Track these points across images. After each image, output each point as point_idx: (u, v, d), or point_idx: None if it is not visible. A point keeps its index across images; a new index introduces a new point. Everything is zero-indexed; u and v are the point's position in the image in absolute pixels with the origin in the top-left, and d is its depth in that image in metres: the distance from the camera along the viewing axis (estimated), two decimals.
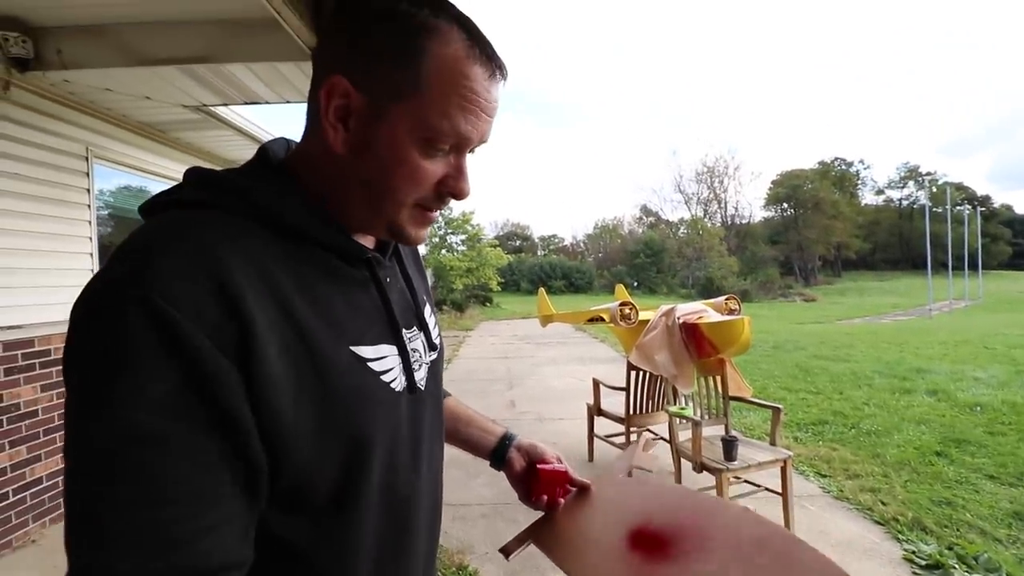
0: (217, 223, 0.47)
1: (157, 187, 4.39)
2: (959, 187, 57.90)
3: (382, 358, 0.54)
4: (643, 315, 3.21)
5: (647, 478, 0.79)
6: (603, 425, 3.70)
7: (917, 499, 3.10)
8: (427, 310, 0.69)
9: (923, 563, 2.44)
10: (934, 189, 47.88)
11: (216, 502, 0.40)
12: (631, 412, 3.29)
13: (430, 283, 0.73)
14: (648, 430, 3.53)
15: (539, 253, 49.38)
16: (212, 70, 2.77)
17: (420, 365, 0.62)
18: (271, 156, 0.55)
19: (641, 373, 3.23)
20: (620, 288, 4.56)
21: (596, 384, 3.66)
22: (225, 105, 3.49)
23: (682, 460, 2.86)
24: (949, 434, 4.23)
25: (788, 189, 50.49)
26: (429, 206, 0.55)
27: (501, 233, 49.17)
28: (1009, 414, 4.70)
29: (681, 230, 44.52)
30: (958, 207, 34.28)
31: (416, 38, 0.48)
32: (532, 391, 6.13)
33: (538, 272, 37.04)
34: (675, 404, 2.99)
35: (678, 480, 2.90)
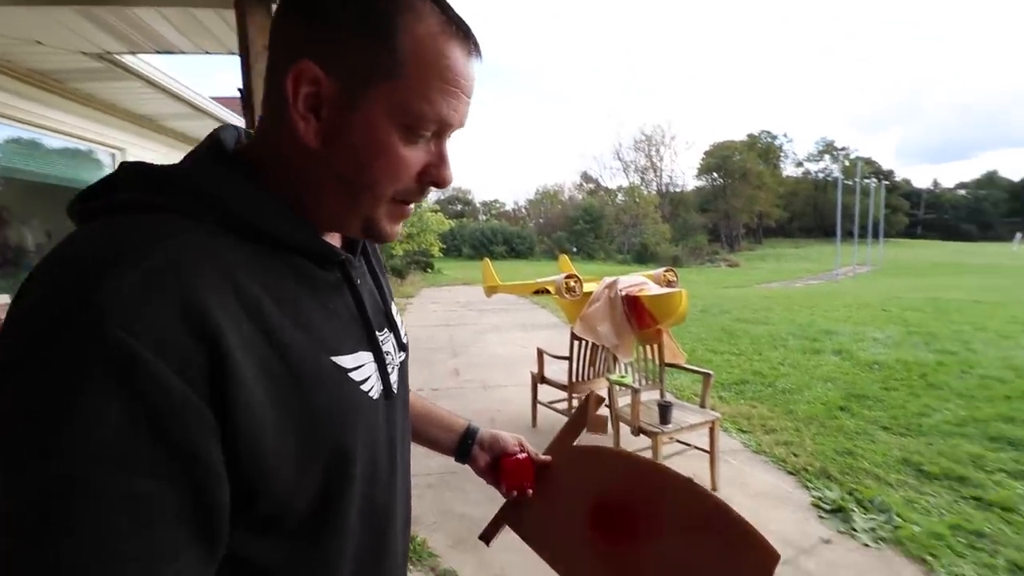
0: (179, 232, 0.41)
1: (52, 143, 3.94)
2: (868, 161, 62.61)
3: (360, 366, 0.52)
4: (587, 287, 3.30)
5: (599, 448, 0.83)
6: (546, 392, 3.83)
7: (823, 450, 3.46)
8: (393, 308, 0.66)
9: (828, 508, 2.75)
10: (846, 163, 51.57)
11: (173, 558, 0.36)
12: (574, 379, 3.42)
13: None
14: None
15: (481, 218, 48.99)
16: (115, 13, 2.48)
17: (392, 368, 0.59)
18: (225, 147, 0.50)
19: (583, 342, 3.35)
20: (564, 259, 4.64)
21: (540, 353, 3.76)
22: (133, 54, 3.15)
23: (621, 424, 3.02)
24: (851, 390, 4.71)
25: (718, 159, 52.60)
26: (408, 198, 0.51)
27: (442, 198, 48.18)
28: (901, 371, 5.29)
29: (619, 197, 45.61)
30: (866, 180, 37.14)
31: (389, 14, 0.44)
32: (476, 359, 6.19)
33: (480, 237, 36.83)
34: (615, 372, 3.14)
35: (616, 443, 3.07)
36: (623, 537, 0.70)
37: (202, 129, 5.01)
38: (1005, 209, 78.35)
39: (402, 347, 0.64)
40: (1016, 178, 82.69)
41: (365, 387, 0.52)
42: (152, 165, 0.46)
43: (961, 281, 18.60)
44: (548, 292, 3.35)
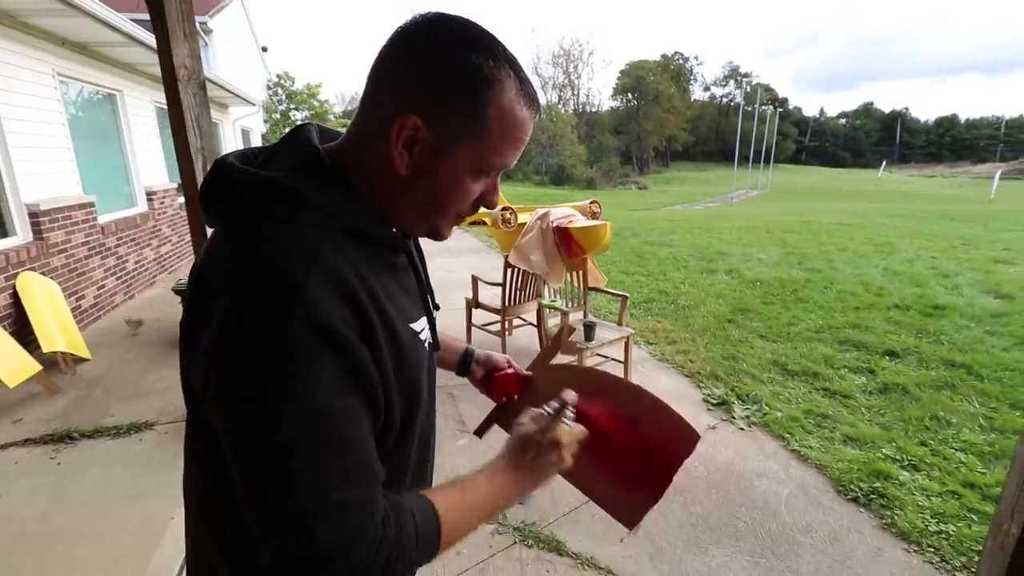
0: (323, 241, 0.56)
1: None
2: (767, 88, 65.89)
3: (423, 329, 0.69)
4: (521, 218, 3.49)
5: (568, 365, 1.06)
6: (480, 315, 4.10)
7: (713, 356, 4.10)
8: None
9: (714, 402, 3.35)
10: (748, 89, 54.05)
11: (372, 441, 0.57)
12: (507, 304, 3.70)
13: None
14: (521, 317, 4.01)
15: None
16: None
17: (435, 324, 0.77)
18: (327, 162, 0.61)
19: (516, 270, 3.60)
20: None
21: (475, 280, 3.98)
22: None
23: (549, 342, 3.37)
24: (737, 305, 5.46)
25: (633, 80, 52.87)
26: (464, 214, 0.68)
27: (350, 108, 44.51)
28: (778, 288, 6.16)
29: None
30: (764, 107, 39.39)
31: (482, 89, 0.57)
32: None
33: None
34: (546, 297, 3.45)
35: None
36: (592, 429, 0.95)
37: (72, 25, 4.33)
38: (876, 138, 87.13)
39: (436, 306, 0.81)
40: (888, 109, 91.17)
41: (426, 344, 0.70)
42: (279, 181, 0.57)
43: (832, 205, 20.99)
44: (484, 223, 3.51)
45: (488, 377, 1.02)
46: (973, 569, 1.99)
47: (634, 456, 0.87)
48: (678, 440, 0.87)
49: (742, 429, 3.03)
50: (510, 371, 1.02)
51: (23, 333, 3.72)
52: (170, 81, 2.28)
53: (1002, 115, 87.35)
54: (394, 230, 0.67)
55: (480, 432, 1.05)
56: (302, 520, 0.49)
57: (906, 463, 2.67)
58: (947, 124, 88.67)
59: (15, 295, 3.76)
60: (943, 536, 2.16)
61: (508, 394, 1.01)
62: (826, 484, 2.53)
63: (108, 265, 5.20)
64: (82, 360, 3.86)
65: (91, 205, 4.92)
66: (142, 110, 6.41)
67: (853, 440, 2.89)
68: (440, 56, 0.57)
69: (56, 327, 3.73)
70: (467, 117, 0.58)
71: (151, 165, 6.59)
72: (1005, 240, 9.63)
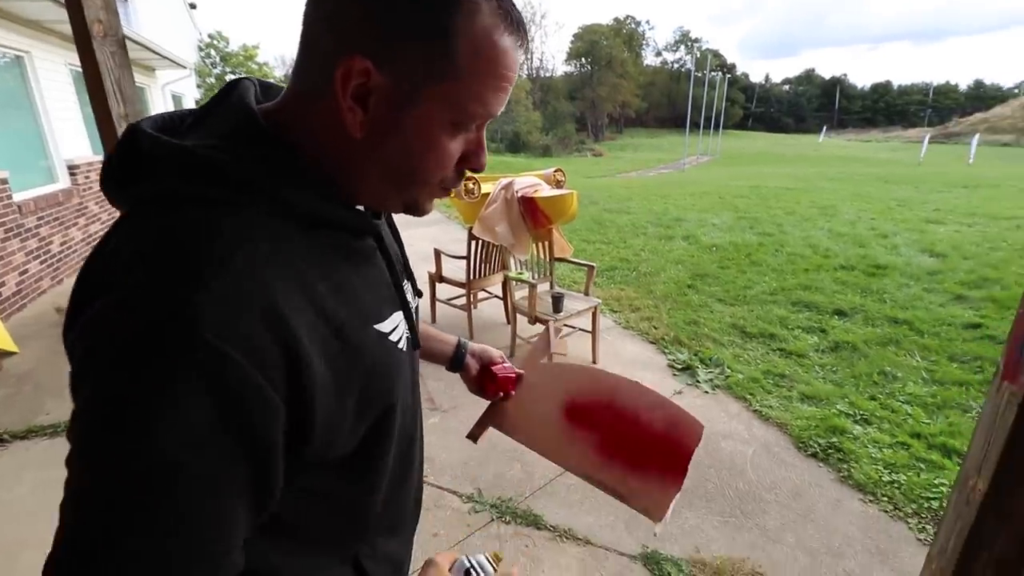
0: (247, 233, 0.43)
1: None
2: (716, 54, 66.77)
3: (396, 327, 0.57)
4: (484, 188, 3.38)
5: (561, 363, 1.01)
6: (444, 290, 4.00)
7: (676, 322, 4.18)
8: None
9: (679, 367, 3.42)
10: (698, 55, 54.53)
11: (234, 527, 0.42)
12: (471, 277, 3.61)
13: None
14: (486, 290, 3.94)
15: None
16: None
17: (414, 316, 0.65)
18: (263, 125, 0.48)
19: (480, 242, 3.50)
20: None
21: (437, 254, 3.86)
22: None
23: (518, 315, 3.33)
24: (696, 271, 5.57)
25: (587, 44, 52.29)
26: (448, 184, 0.53)
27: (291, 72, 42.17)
28: (732, 252, 6.32)
29: None
30: (713, 73, 39.91)
31: (445, 13, 0.44)
32: None
33: None
34: (512, 269, 3.38)
35: (514, 332, 3.40)
36: (591, 424, 0.89)
37: None
38: (816, 104, 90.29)
39: (418, 293, 0.70)
40: (828, 76, 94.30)
41: (400, 344, 0.57)
42: (194, 149, 0.45)
43: (778, 170, 21.71)
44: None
45: (483, 373, 0.94)
46: (923, 515, 2.13)
47: (644, 450, 0.84)
48: (684, 431, 0.84)
49: (706, 392, 3.11)
50: (507, 366, 0.95)
51: None
52: (83, 39, 2.00)
53: (931, 81, 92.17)
54: (357, 208, 0.54)
55: (474, 436, 0.98)
56: (79, 565, 0.37)
57: (858, 417, 2.82)
58: (881, 90, 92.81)
59: None
60: (895, 485, 2.30)
61: (505, 390, 0.94)
62: (787, 442, 2.64)
63: (29, 248, 4.74)
64: (8, 354, 3.51)
65: (3, 182, 4.43)
66: (56, 74, 5.77)
67: (809, 398, 3.02)
68: None
69: None
70: (430, 53, 0.45)
71: (71, 136, 5.99)
72: (935, 201, 10.23)
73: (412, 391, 0.66)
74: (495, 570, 0.71)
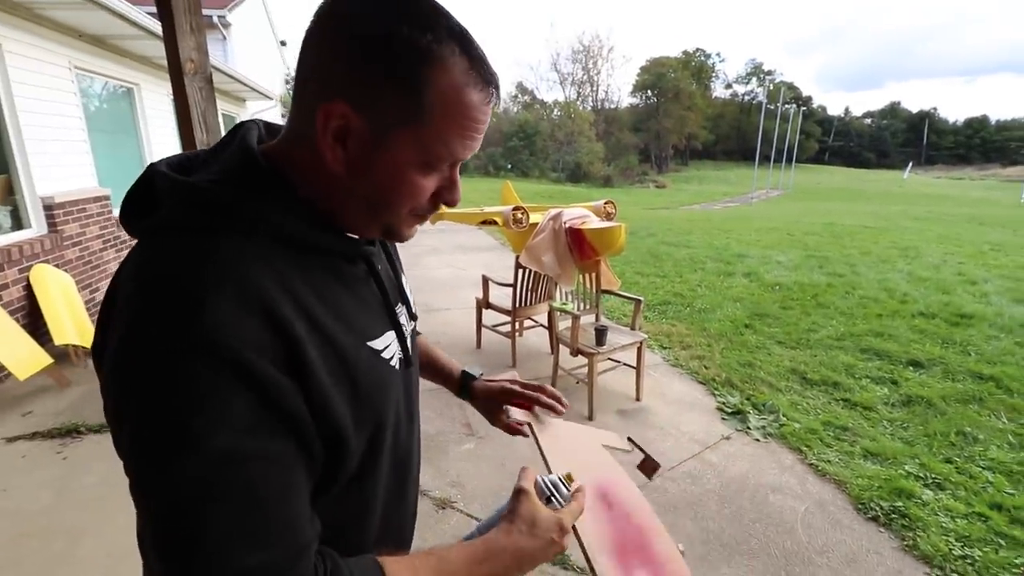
0: (243, 252, 0.48)
1: None
2: (790, 87, 64.79)
3: (388, 345, 0.61)
4: (532, 218, 3.42)
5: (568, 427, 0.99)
6: (490, 316, 4.04)
7: (729, 363, 3.98)
8: (404, 280, 0.75)
9: (729, 411, 3.25)
10: (771, 87, 53.12)
11: (299, 493, 0.48)
12: (517, 305, 3.63)
13: None
14: (532, 319, 3.94)
15: None
16: None
17: (408, 337, 0.68)
18: (260, 161, 0.54)
19: (527, 271, 3.52)
20: (508, 187, 4.66)
21: (485, 280, 3.92)
22: None
23: (560, 346, 3.30)
24: (755, 309, 5.32)
25: (653, 77, 52.30)
26: (423, 213, 0.59)
27: None
28: (797, 292, 5.99)
29: (555, 112, 44.69)
30: (787, 105, 38.66)
31: (418, 67, 0.48)
32: (416, 282, 6.26)
33: None
34: (557, 299, 3.37)
35: (556, 363, 3.37)
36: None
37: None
38: (902, 139, 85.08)
39: (412, 317, 0.73)
40: (915, 109, 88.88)
41: (392, 362, 0.62)
42: (198, 188, 0.50)
43: (855, 207, 20.52)
44: (495, 223, 3.44)
45: (489, 401, 0.96)
46: None
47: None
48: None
49: (757, 440, 2.93)
50: (521, 417, 0.94)
51: (36, 326, 3.75)
52: (176, 75, 2.25)
53: None
54: (350, 235, 0.59)
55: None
56: None
57: (930, 481, 2.55)
58: (977, 125, 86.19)
59: (28, 287, 3.79)
60: (968, 561, 2.05)
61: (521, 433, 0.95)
62: (845, 501, 2.42)
63: (123, 257, 5.25)
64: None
65: (106, 198, 4.96)
66: (158, 104, 6.46)
67: (874, 455, 2.77)
68: (368, 30, 0.48)
69: (69, 320, 3.76)
70: (401, 101, 0.50)
71: None
72: None
73: (407, 407, 0.68)
74: (568, 491, 0.70)
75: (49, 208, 4.18)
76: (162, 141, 6.49)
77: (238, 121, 0.62)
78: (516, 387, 0.95)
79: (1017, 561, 2.01)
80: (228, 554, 0.43)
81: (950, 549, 2.10)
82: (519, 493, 0.64)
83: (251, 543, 0.43)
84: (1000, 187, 41.11)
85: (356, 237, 0.60)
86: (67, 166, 4.51)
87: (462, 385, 0.96)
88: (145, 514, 0.45)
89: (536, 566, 0.62)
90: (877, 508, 2.35)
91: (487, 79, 0.52)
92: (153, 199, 0.52)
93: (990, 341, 4.38)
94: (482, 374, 0.98)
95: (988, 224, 13.59)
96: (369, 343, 0.58)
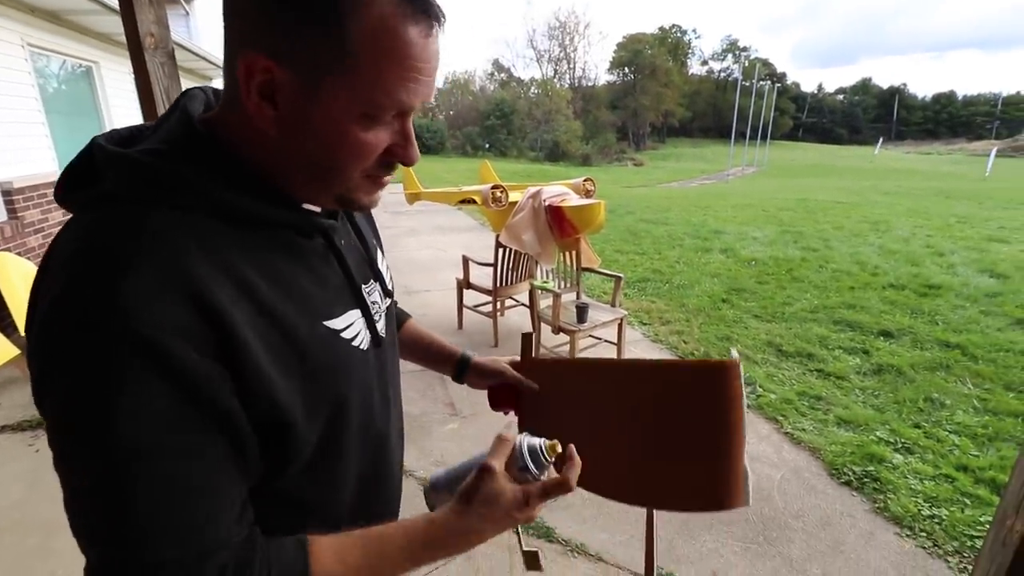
0: (175, 227, 0.45)
1: None
2: (765, 63, 65.05)
3: (350, 324, 0.57)
4: (512, 196, 3.39)
5: (558, 361, 0.96)
6: (471, 296, 4.02)
7: (707, 336, 4.06)
8: (379, 257, 0.71)
9: None
10: (746, 64, 53.24)
11: (219, 491, 0.45)
12: (498, 284, 3.62)
13: None
14: (513, 298, 3.95)
15: None
16: None
17: (380, 316, 0.65)
18: (198, 128, 0.50)
19: (507, 250, 3.51)
20: (486, 166, 4.61)
21: (465, 260, 3.89)
22: None
23: (542, 324, 3.31)
24: (732, 285, 5.40)
25: (630, 54, 51.95)
26: (378, 175, 0.53)
27: None
28: (773, 267, 6.10)
29: (532, 90, 44.18)
30: (762, 82, 38.86)
31: (337, 3, 0.43)
32: (395, 263, 6.18)
33: None
34: (538, 278, 3.37)
35: (537, 341, 3.38)
36: (617, 426, 0.79)
37: None
38: (873, 115, 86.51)
39: (388, 294, 0.69)
40: (886, 85, 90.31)
41: (356, 342, 0.58)
42: (133, 156, 0.47)
43: (828, 183, 20.87)
44: (474, 202, 3.39)
45: (489, 386, 0.93)
46: (965, 554, 1.98)
47: (679, 432, 0.72)
48: (714, 380, 0.71)
49: None
50: (502, 384, 0.91)
51: (0, 316, 3.61)
52: (136, 50, 2.13)
53: (999, 92, 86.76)
54: (307, 208, 0.55)
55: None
56: (107, 572, 0.43)
57: (899, 446, 2.65)
58: (944, 100, 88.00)
59: None
60: (936, 520, 2.14)
61: (506, 409, 0.92)
62: (819, 467, 2.51)
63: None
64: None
65: None
66: (120, 83, 6.17)
67: (847, 422, 2.87)
68: None
69: None
70: (324, 46, 0.44)
71: None
72: (1000, 218, 9.59)
73: (381, 388, 0.65)
74: (546, 461, 0.61)
75: (8, 193, 3.99)
76: (125, 122, 6.22)
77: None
78: (508, 374, 0.91)
79: (982, 519, 2.12)
80: (143, 546, 0.41)
81: (919, 510, 2.20)
82: (483, 472, 0.57)
83: (159, 539, 0.42)
84: (967, 161, 42.24)
85: (315, 209, 0.56)
86: (24, 149, 4.30)
87: (459, 368, 0.92)
88: (64, 489, 0.44)
89: (488, 539, 0.57)
90: (850, 473, 2.43)
91: (424, 9, 0.45)
92: (94, 174, 0.48)
93: (956, 310, 4.54)
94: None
95: (955, 197, 13.98)
96: (326, 322, 0.54)
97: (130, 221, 0.44)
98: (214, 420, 0.44)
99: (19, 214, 4.05)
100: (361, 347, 0.59)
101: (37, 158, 4.44)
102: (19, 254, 3.98)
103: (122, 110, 6.15)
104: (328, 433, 0.55)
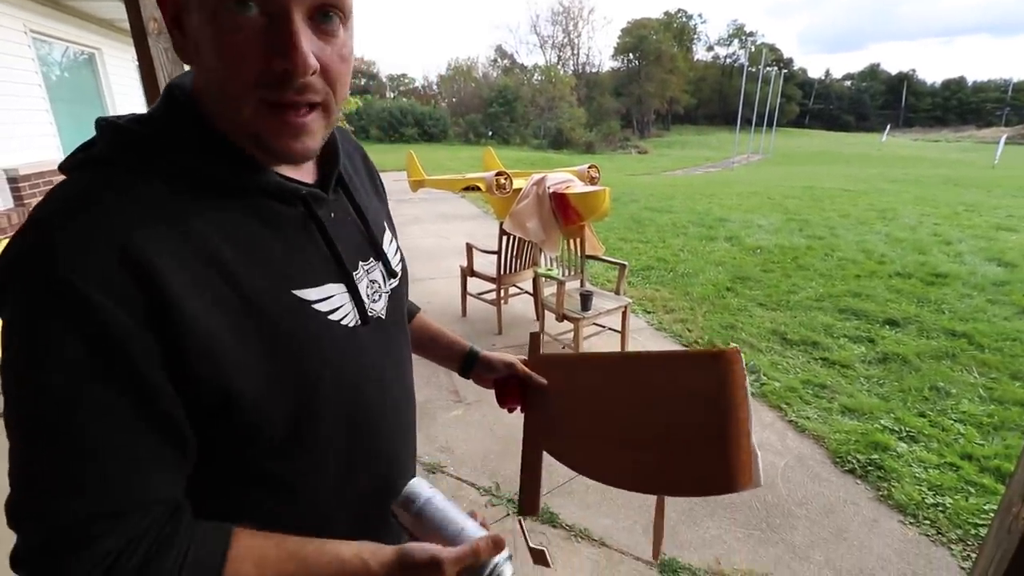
0: (125, 185, 0.45)
1: None
2: (772, 49, 64.18)
3: (328, 297, 0.56)
4: (516, 184, 3.37)
5: (563, 356, 0.95)
6: (475, 284, 4.02)
7: (712, 325, 4.05)
8: (386, 237, 0.70)
9: None
10: (752, 49, 52.56)
11: (129, 453, 0.44)
12: (502, 272, 3.61)
13: None
14: (517, 285, 3.95)
15: (388, 95, 45.21)
16: None
17: (380, 296, 0.64)
18: (178, 96, 0.51)
19: (512, 237, 3.50)
20: (490, 153, 4.58)
21: (469, 248, 3.88)
22: None
23: (546, 311, 3.31)
24: (737, 273, 5.38)
25: (635, 39, 51.30)
26: (272, 97, 0.47)
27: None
28: (779, 255, 6.07)
29: (535, 76, 43.74)
30: (768, 68, 38.36)
31: None
32: None
33: (388, 118, 34.14)
34: (542, 265, 3.36)
35: (541, 329, 3.39)
36: (625, 416, 0.78)
37: None
38: (881, 102, 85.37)
39: (392, 274, 0.68)
40: (895, 71, 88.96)
41: (335, 316, 0.56)
42: (117, 122, 0.49)
43: (835, 170, 20.68)
44: (478, 189, 3.38)
45: (496, 382, 0.91)
46: (969, 542, 1.99)
47: (685, 420, 0.73)
48: (717, 368, 0.71)
49: None
50: (511, 375, 0.89)
51: None
52: (139, 35, 2.12)
53: (1010, 78, 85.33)
54: (285, 176, 0.54)
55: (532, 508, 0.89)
56: (13, 514, 0.44)
57: (904, 434, 2.65)
58: (954, 87, 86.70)
59: None
60: (940, 508, 2.15)
61: (512, 406, 0.91)
62: (823, 455, 2.52)
63: None
64: None
65: None
66: (123, 70, 6.15)
67: (851, 411, 2.87)
68: None
69: None
70: None
71: None
72: (1008, 207, 9.49)
73: (372, 372, 0.62)
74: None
75: (13, 180, 4.00)
76: (129, 109, 6.21)
77: None
78: (518, 367, 0.89)
79: (986, 508, 2.12)
80: (42, 500, 0.42)
81: (923, 498, 2.20)
82: (432, 563, 0.52)
83: (60, 488, 0.42)
84: (975, 148, 41.71)
85: (299, 179, 0.56)
86: (29, 137, 4.31)
87: (467, 362, 0.91)
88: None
89: None
90: (854, 461, 2.44)
91: None
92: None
93: (963, 299, 4.51)
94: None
95: (963, 185, 13.82)
96: (296, 291, 0.53)
97: (89, 181, 0.46)
98: (126, 378, 0.43)
99: (24, 201, 4.06)
100: (345, 323, 0.57)
101: (41, 145, 4.44)
102: None
103: (125, 97, 6.13)
104: (299, 411, 0.53)
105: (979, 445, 2.54)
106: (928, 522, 2.09)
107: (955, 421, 2.76)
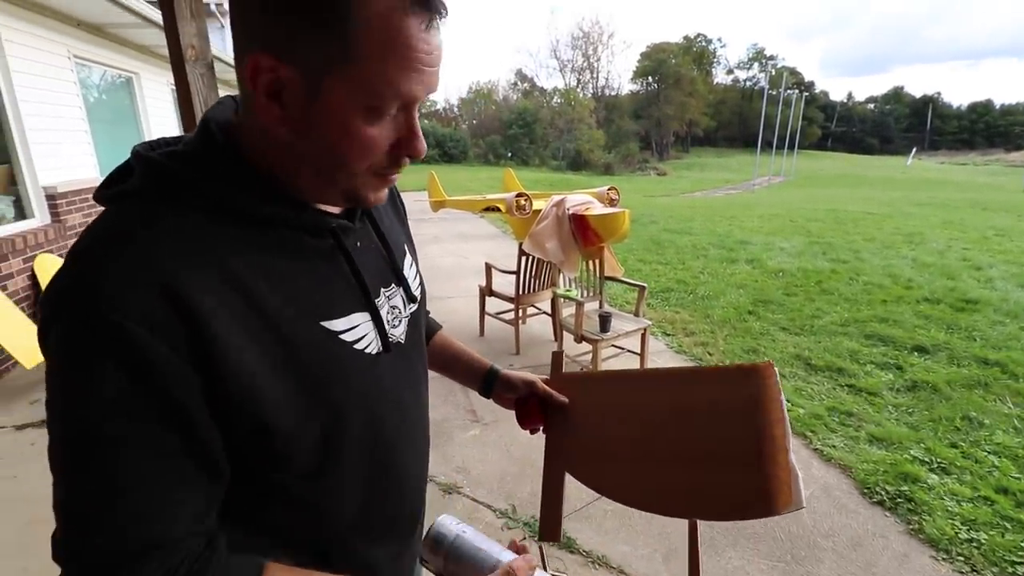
0: (165, 222, 0.47)
1: None
2: (793, 72, 64.07)
3: (354, 327, 0.57)
4: (536, 205, 3.40)
5: (586, 376, 0.94)
6: (493, 303, 4.04)
7: (733, 348, 3.99)
8: (407, 262, 0.71)
9: None
10: (773, 72, 52.56)
11: (167, 486, 0.45)
12: (521, 292, 3.62)
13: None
14: (535, 306, 3.94)
15: None
16: None
17: (400, 321, 0.65)
18: (215, 132, 0.52)
19: (531, 257, 3.52)
20: (510, 174, 4.64)
21: (488, 268, 3.91)
22: None
23: (564, 332, 3.30)
24: (759, 296, 5.30)
25: (654, 63, 51.77)
26: (385, 172, 0.53)
27: None
28: (801, 278, 5.97)
29: (555, 99, 44.32)
30: (789, 91, 38.26)
31: None
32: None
33: None
34: (560, 286, 3.36)
35: (560, 350, 3.37)
36: (654, 436, 0.76)
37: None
38: (905, 124, 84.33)
39: (411, 299, 0.68)
40: (919, 94, 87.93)
41: (359, 345, 0.57)
42: (155, 157, 0.50)
43: (858, 193, 20.38)
44: (498, 210, 3.42)
45: (517, 401, 0.90)
46: None
47: (718, 438, 0.70)
48: (749, 383, 0.68)
49: None
50: (532, 401, 0.88)
51: None
52: (177, 61, 2.22)
53: None
54: (318, 208, 0.56)
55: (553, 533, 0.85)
56: (56, 548, 0.45)
57: (935, 465, 2.56)
58: (981, 110, 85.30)
59: (33, 277, 3.80)
60: (974, 544, 2.06)
61: (533, 426, 0.89)
62: (850, 486, 2.43)
63: None
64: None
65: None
66: (159, 93, 6.41)
67: (879, 440, 2.78)
68: None
69: None
70: (325, 41, 0.45)
71: None
72: None
73: (390, 397, 0.63)
74: None
75: (52, 198, 4.17)
76: (163, 131, 6.46)
77: None
78: (538, 385, 0.88)
79: (1023, 544, 2.02)
80: (84, 531, 0.44)
81: (956, 532, 2.11)
82: None
83: (98, 524, 0.43)
84: (1004, 172, 40.77)
85: (328, 210, 0.57)
86: (68, 156, 4.49)
87: (488, 380, 0.90)
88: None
89: None
90: (883, 492, 2.36)
91: (423, 1, 0.46)
92: (129, 175, 0.51)
93: (995, 326, 4.37)
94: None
95: (992, 209, 13.50)
96: (323, 323, 0.54)
97: (129, 216, 0.47)
98: (170, 413, 0.44)
99: (61, 217, 4.23)
100: (368, 351, 0.59)
101: (79, 164, 4.63)
102: (60, 256, 4.14)
103: (159, 119, 6.38)
104: (325, 439, 0.55)
105: (1015, 479, 2.44)
106: (962, 558, 2.00)
107: (989, 453, 2.65)
